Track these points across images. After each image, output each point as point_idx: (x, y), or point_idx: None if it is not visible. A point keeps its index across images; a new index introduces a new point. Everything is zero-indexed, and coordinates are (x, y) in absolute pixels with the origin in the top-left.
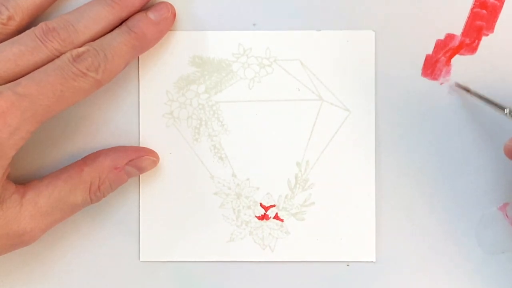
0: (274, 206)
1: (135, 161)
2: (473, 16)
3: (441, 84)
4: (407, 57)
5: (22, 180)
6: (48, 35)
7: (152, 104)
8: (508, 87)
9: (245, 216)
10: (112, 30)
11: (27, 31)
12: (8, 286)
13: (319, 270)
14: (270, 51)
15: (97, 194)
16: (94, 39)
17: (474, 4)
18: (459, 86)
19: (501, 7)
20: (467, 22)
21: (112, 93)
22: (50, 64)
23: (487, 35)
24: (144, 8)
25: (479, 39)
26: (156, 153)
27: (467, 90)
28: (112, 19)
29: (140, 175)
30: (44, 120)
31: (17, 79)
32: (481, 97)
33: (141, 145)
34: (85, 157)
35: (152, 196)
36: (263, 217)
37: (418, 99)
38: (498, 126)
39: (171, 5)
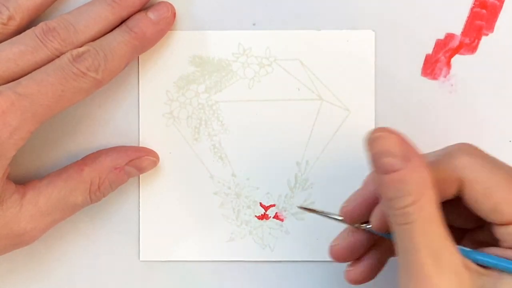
0: (274, 205)
1: (135, 161)
2: (473, 15)
3: (440, 84)
4: (407, 57)
5: (22, 180)
6: (48, 35)
7: (152, 104)
8: (508, 87)
9: (245, 216)
10: (112, 30)
11: (27, 31)
12: (8, 286)
13: (319, 270)
14: (270, 50)
15: (97, 194)
16: (94, 39)
17: (474, 4)
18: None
19: (501, 7)
20: (467, 22)
21: (112, 93)
22: (50, 64)
23: (487, 35)
24: (144, 8)
25: (479, 39)
26: (156, 153)
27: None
28: (112, 19)
29: (140, 175)
30: (44, 120)
31: (17, 79)
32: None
33: (141, 145)
34: (85, 157)
35: (152, 196)
36: (263, 216)
37: (418, 99)
38: (499, 126)
39: (171, 5)
